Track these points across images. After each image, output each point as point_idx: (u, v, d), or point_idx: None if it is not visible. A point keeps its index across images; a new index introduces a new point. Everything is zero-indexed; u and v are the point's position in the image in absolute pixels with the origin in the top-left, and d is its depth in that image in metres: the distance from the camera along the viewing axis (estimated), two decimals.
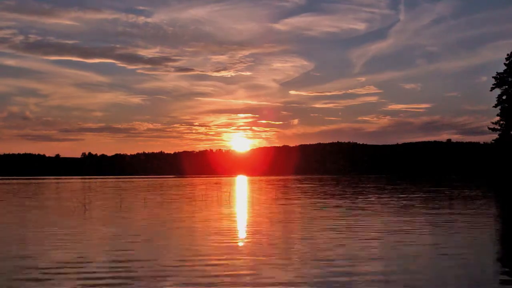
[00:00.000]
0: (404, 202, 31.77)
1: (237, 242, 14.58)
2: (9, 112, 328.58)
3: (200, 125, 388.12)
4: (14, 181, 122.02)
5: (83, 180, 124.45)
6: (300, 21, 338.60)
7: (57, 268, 10.81)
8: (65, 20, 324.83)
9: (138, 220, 21.13)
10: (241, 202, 33.74)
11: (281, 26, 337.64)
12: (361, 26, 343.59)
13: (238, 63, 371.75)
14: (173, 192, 49.51)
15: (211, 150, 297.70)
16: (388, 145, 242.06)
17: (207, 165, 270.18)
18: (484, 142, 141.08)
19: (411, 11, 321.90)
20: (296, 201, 33.75)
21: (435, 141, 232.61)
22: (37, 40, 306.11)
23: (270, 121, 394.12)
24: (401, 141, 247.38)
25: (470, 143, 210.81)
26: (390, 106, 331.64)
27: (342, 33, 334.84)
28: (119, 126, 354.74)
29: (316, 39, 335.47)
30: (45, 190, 58.85)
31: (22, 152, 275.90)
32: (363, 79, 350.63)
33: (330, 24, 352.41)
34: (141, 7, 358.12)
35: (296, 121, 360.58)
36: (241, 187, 67.72)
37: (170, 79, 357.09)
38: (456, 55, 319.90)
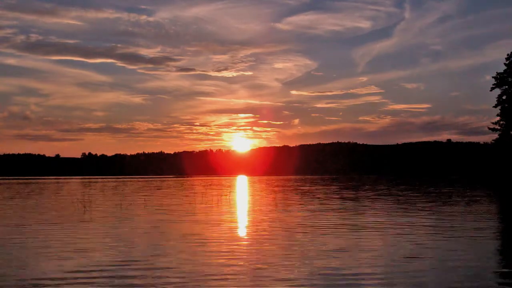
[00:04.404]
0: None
1: (239, 244, 14.56)
2: (10, 112, 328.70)
3: (201, 125, 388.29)
4: (14, 181, 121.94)
5: (83, 180, 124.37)
6: (304, 19, 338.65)
7: (56, 277, 10.79)
8: (67, 19, 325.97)
9: (138, 222, 21.10)
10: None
11: (284, 25, 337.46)
12: (365, 25, 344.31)
13: (240, 62, 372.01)
14: (173, 193, 49.49)
15: (211, 150, 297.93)
16: (388, 145, 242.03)
17: (207, 165, 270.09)
18: (484, 142, 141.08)
19: (416, 9, 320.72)
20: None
21: (435, 141, 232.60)
22: (38, 40, 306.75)
23: (270, 121, 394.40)
24: (401, 141, 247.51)
25: (470, 143, 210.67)
26: (391, 106, 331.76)
27: (346, 32, 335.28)
28: (119, 126, 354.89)
29: (320, 38, 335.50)
30: (45, 190, 58.83)
31: (22, 152, 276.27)
32: (365, 78, 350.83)
33: (334, 23, 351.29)
34: (143, 6, 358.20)
35: (296, 121, 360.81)
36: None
37: (171, 79, 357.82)
38: (461, 54, 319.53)
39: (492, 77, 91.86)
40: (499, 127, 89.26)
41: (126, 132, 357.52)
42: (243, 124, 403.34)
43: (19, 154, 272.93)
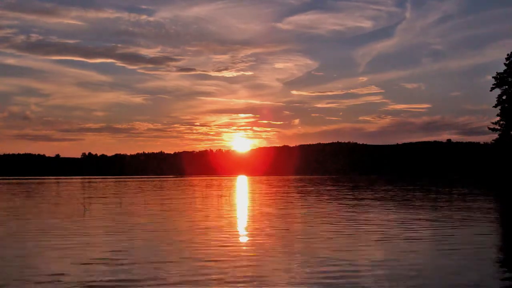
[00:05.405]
0: None
1: (238, 244, 14.57)
2: (10, 112, 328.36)
3: (201, 125, 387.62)
4: (14, 181, 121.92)
5: (83, 180, 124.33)
6: (305, 19, 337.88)
7: (56, 275, 10.80)
8: (67, 19, 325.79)
9: (137, 222, 21.09)
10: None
11: (285, 25, 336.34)
12: (367, 24, 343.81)
13: (240, 62, 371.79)
14: (173, 193, 49.48)
15: (211, 150, 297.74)
16: (388, 145, 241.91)
17: (207, 165, 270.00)
18: (484, 142, 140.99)
19: (417, 9, 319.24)
20: None
21: (435, 141, 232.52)
22: (39, 40, 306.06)
23: (271, 121, 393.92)
24: (401, 141, 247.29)
25: (470, 143, 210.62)
26: (391, 106, 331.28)
27: (347, 32, 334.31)
28: (119, 126, 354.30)
29: (321, 38, 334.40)
30: (45, 190, 58.82)
31: (22, 152, 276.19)
32: (365, 78, 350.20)
33: (335, 22, 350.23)
34: (143, 6, 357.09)
35: (297, 121, 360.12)
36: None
37: (171, 79, 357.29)
38: (462, 54, 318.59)
39: (492, 77, 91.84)
40: (499, 127, 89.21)
41: (126, 132, 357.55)
42: (243, 124, 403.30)
43: (19, 154, 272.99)
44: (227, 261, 11.73)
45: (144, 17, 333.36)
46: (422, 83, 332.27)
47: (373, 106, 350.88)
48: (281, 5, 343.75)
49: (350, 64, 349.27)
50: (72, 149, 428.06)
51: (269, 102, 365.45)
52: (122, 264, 11.37)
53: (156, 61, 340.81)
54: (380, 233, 16.66)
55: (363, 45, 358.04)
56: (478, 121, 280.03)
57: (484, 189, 52.24)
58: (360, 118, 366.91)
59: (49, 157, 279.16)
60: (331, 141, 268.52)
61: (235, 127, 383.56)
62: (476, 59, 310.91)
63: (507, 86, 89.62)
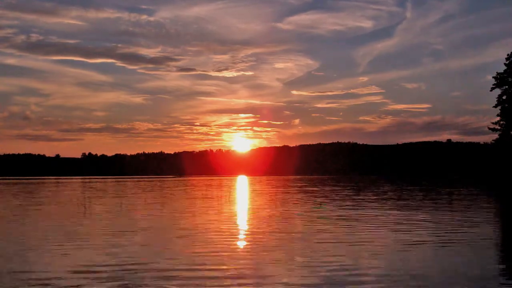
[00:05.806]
0: None
1: (238, 245, 14.56)
2: (10, 112, 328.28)
3: (201, 125, 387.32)
4: (14, 181, 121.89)
5: (83, 180, 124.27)
6: (305, 19, 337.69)
7: (57, 277, 10.79)
8: (67, 19, 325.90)
9: (138, 223, 21.09)
10: None
11: (285, 25, 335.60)
12: (367, 24, 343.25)
13: (240, 62, 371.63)
14: (173, 193, 49.48)
15: (211, 150, 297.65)
16: (388, 145, 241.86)
17: (207, 165, 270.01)
18: (484, 142, 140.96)
19: (418, 8, 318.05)
20: None
21: (435, 141, 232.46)
22: (39, 40, 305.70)
23: (271, 121, 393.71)
24: (401, 141, 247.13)
25: (470, 143, 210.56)
26: (391, 106, 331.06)
27: (348, 31, 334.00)
28: (119, 126, 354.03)
29: (321, 38, 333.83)
30: (45, 190, 58.80)
31: (22, 152, 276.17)
32: (365, 78, 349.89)
33: (336, 22, 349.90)
34: (143, 6, 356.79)
35: (297, 121, 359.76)
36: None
37: (172, 79, 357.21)
38: (462, 54, 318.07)
39: (492, 77, 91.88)
40: (499, 127, 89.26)
41: (126, 132, 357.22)
42: (243, 124, 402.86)
43: (19, 154, 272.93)
44: (227, 262, 11.73)
45: (144, 17, 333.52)
46: (422, 83, 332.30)
47: (373, 106, 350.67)
48: (282, 5, 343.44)
49: (350, 64, 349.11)
50: (72, 149, 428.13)
51: (269, 102, 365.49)
52: (122, 265, 11.35)
53: (156, 61, 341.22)
54: (380, 234, 16.65)
55: (364, 45, 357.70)
56: (478, 121, 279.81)
57: (484, 189, 52.23)
58: (360, 118, 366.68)
59: (49, 157, 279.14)
60: (331, 141, 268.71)
61: (235, 127, 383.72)
62: (477, 59, 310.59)
63: (507, 86, 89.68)
